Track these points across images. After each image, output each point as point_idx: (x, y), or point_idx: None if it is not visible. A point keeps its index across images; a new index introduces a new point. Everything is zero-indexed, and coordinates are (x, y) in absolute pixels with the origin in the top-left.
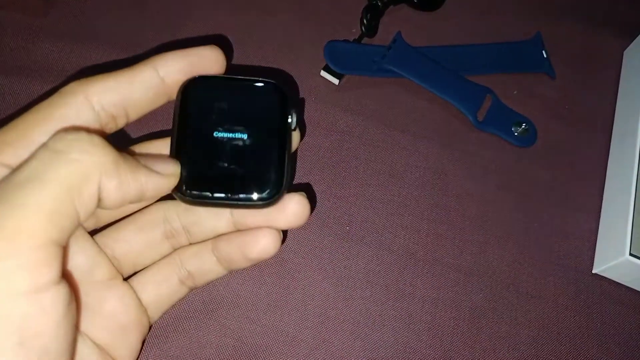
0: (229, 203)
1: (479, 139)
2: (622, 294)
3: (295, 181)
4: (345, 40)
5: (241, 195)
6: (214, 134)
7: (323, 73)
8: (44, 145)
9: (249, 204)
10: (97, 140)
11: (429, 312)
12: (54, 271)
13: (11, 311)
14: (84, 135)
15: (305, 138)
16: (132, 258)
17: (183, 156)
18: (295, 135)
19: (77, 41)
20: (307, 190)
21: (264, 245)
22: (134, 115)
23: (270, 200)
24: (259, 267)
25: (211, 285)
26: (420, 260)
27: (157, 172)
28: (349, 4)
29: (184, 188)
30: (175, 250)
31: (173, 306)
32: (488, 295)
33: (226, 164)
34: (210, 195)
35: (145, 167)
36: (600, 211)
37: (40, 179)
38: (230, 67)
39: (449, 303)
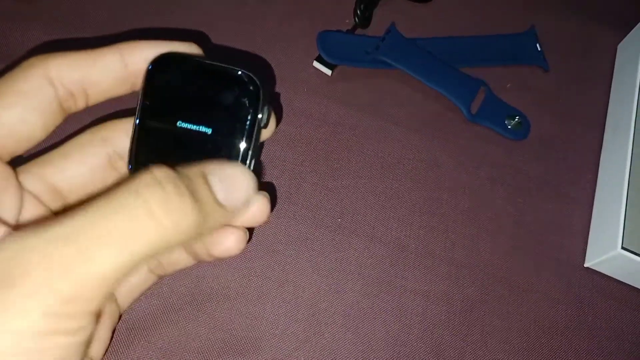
0: None
1: (472, 132)
2: (613, 288)
3: (289, 171)
4: (339, 31)
5: None
6: (177, 124)
7: (315, 64)
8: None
9: None
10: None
11: (420, 305)
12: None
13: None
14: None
15: (297, 129)
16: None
17: (143, 143)
18: (266, 132)
19: (68, 28)
20: (269, 189)
21: (228, 245)
22: (94, 97)
23: None
24: (250, 259)
25: (200, 277)
26: (412, 252)
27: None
28: None
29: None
30: None
31: (162, 297)
32: (480, 288)
33: (186, 159)
34: None
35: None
36: (592, 205)
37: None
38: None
39: (440, 296)
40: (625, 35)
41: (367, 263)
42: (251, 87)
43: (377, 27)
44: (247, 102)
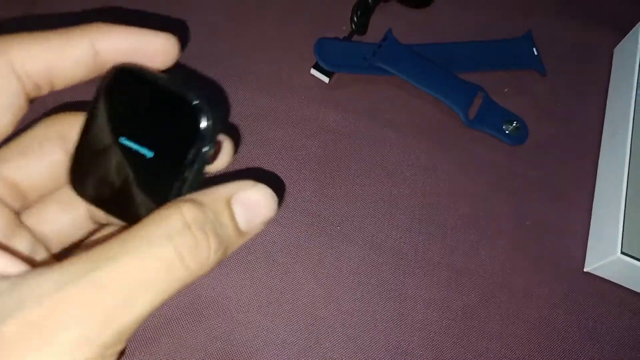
0: (113, 218)
1: (470, 137)
2: (613, 292)
3: (287, 178)
4: (336, 38)
5: (127, 215)
6: (120, 139)
7: (313, 71)
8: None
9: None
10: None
11: (420, 312)
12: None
13: None
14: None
15: (295, 137)
16: (61, 238)
17: (83, 155)
18: (216, 166)
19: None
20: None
21: None
22: (60, 85)
23: None
24: (248, 268)
25: (199, 287)
26: (411, 259)
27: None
28: (339, 1)
29: (78, 186)
30: None
31: (161, 308)
32: (479, 294)
33: (122, 177)
34: (98, 203)
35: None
36: (591, 209)
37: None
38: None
39: (440, 302)
40: (621, 39)
41: (367, 270)
42: (203, 119)
43: (373, 33)
44: (195, 134)
